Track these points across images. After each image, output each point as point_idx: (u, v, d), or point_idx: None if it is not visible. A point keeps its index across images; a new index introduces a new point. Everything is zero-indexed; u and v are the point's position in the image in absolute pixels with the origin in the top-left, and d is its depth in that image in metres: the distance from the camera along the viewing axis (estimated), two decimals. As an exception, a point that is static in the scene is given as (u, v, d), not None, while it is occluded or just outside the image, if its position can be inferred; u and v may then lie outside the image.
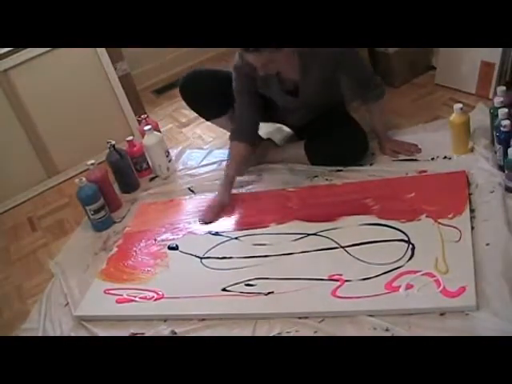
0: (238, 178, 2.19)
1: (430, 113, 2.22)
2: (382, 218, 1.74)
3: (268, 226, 1.89)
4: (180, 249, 1.93)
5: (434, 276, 1.48)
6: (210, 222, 2.01)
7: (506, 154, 1.65)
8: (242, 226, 1.94)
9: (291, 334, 1.49)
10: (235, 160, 2.06)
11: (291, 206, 1.95)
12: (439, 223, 1.65)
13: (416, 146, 2.01)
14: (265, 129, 2.29)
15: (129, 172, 2.38)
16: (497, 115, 1.72)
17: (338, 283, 1.57)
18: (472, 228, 1.60)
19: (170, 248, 1.95)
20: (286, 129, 2.35)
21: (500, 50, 2.14)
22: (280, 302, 1.59)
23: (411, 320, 1.41)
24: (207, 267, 1.81)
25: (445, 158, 1.92)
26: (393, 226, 1.70)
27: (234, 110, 2.09)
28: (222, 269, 1.77)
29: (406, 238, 1.64)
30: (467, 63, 2.25)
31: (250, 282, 1.68)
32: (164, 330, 1.63)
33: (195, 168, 2.41)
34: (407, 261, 1.56)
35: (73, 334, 1.73)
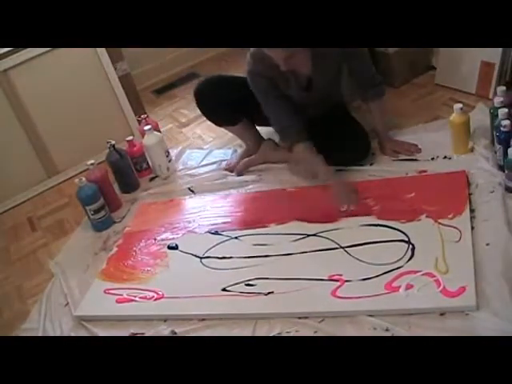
0: (238, 178, 2.20)
1: (430, 113, 2.22)
2: (382, 218, 1.74)
3: (268, 226, 1.89)
4: (180, 248, 1.93)
5: (434, 276, 1.48)
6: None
7: (506, 153, 1.65)
8: (241, 225, 1.94)
9: (291, 334, 1.49)
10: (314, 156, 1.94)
11: (291, 206, 1.95)
12: (439, 223, 1.65)
13: (416, 145, 2.01)
14: (265, 129, 2.30)
15: (129, 172, 2.38)
16: (497, 115, 1.72)
17: (338, 283, 1.57)
18: (472, 228, 1.60)
19: (170, 247, 1.95)
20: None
21: (500, 50, 2.14)
22: (280, 302, 1.59)
23: (411, 320, 1.41)
24: (207, 267, 1.81)
25: (445, 157, 1.92)
26: (393, 226, 1.70)
27: (246, 117, 2.08)
28: (222, 269, 1.77)
29: (406, 239, 1.64)
30: (467, 63, 2.25)
31: (250, 282, 1.68)
32: (164, 330, 1.63)
33: (195, 168, 2.41)
34: (407, 261, 1.56)
35: (73, 334, 1.73)
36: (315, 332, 1.48)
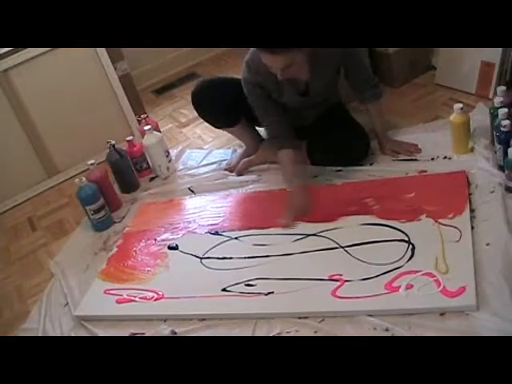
0: (238, 178, 2.20)
1: (430, 113, 2.22)
2: (382, 218, 1.74)
3: (268, 227, 1.89)
4: (180, 248, 1.93)
5: (434, 276, 1.48)
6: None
7: (506, 153, 1.65)
8: (242, 226, 1.94)
9: (291, 334, 1.49)
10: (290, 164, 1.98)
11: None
12: (439, 223, 1.65)
13: (416, 145, 2.01)
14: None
15: (129, 172, 2.38)
16: (497, 115, 1.72)
17: (338, 283, 1.57)
18: (472, 228, 1.60)
19: (170, 248, 1.95)
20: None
21: (500, 50, 2.14)
22: (280, 302, 1.59)
23: (411, 320, 1.41)
24: (207, 267, 1.81)
25: (445, 158, 1.92)
26: (393, 226, 1.70)
27: (244, 118, 2.08)
28: (222, 269, 1.77)
29: (406, 238, 1.64)
30: (467, 63, 2.25)
31: (250, 282, 1.68)
32: (164, 330, 1.63)
33: (195, 168, 2.41)
34: (407, 261, 1.56)
35: (73, 334, 1.73)
36: (315, 332, 1.48)
